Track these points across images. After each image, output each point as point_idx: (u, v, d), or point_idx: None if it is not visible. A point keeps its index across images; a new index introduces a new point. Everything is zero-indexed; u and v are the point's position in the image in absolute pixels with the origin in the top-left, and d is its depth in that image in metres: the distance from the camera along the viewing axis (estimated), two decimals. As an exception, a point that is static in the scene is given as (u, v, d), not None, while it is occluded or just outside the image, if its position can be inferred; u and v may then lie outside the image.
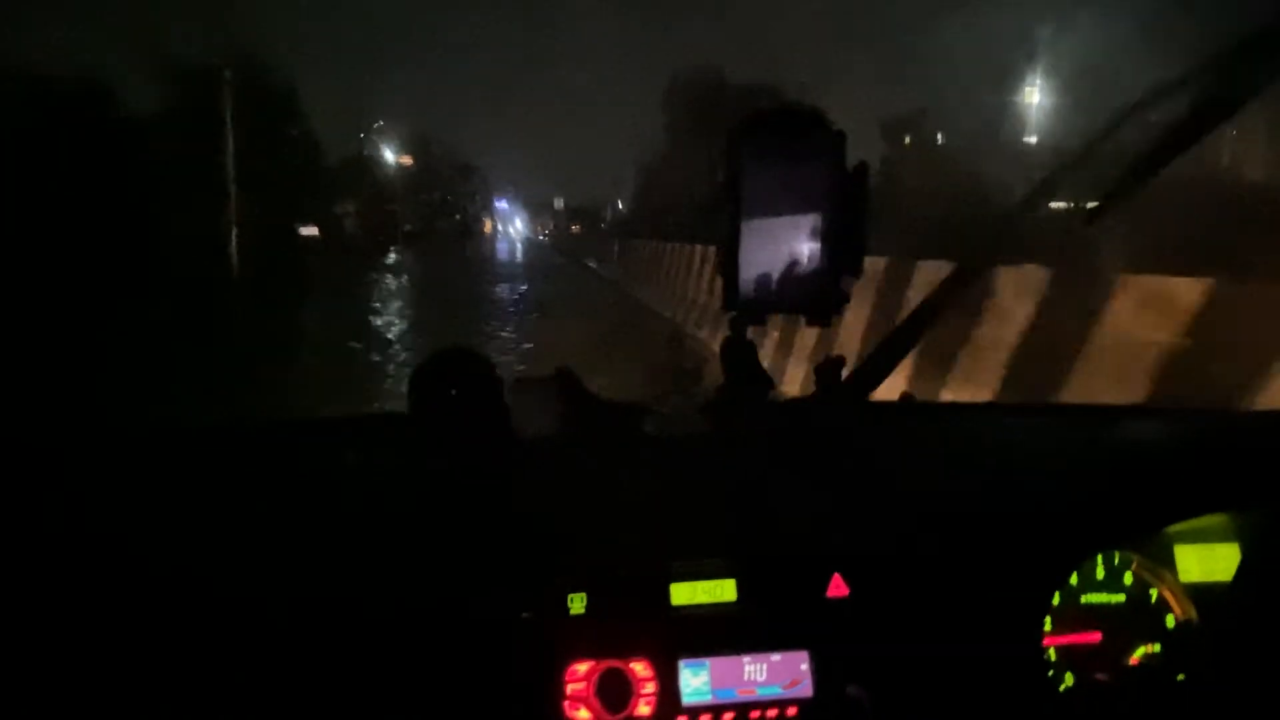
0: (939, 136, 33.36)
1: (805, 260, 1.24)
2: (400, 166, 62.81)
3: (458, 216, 71.14)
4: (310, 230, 34.17)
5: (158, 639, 1.13)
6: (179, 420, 1.60)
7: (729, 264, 1.24)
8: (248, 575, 1.18)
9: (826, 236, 1.24)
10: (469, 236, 68.50)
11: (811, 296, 1.25)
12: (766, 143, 1.23)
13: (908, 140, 34.41)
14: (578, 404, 1.50)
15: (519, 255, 54.53)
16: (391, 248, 44.68)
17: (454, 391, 1.37)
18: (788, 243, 1.24)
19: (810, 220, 1.23)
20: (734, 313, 1.32)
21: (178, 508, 1.30)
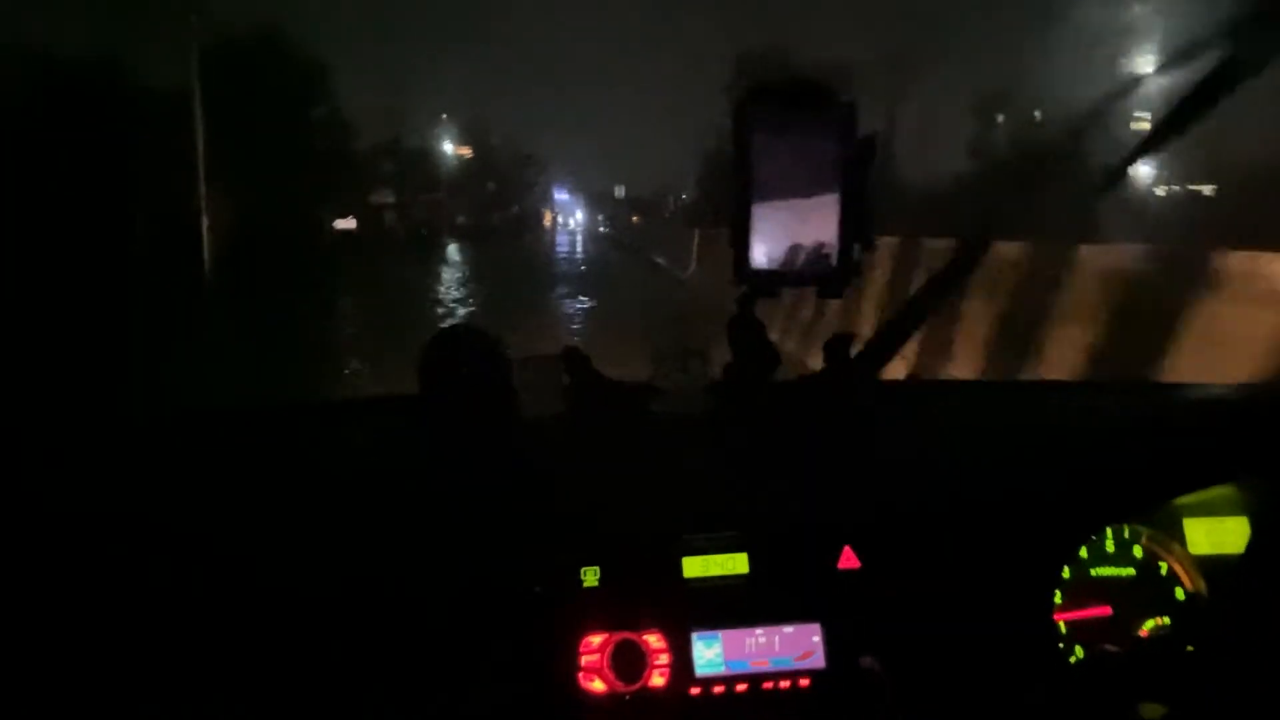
0: (1036, 114, 31.83)
1: (816, 233, 1.24)
2: (458, 157, 60.00)
3: (515, 209, 68.60)
4: (347, 223, 33.26)
5: (175, 617, 1.15)
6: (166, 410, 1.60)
7: (739, 237, 1.24)
8: (259, 556, 1.20)
9: (837, 209, 1.23)
10: (526, 230, 66.07)
11: (823, 269, 1.25)
12: (776, 114, 1.22)
13: (1000, 119, 33.51)
14: (586, 382, 1.50)
15: (579, 249, 50.66)
16: (440, 242, 42.54)
17: (464, 370, 1.38)
18: (798, 215, 1.23)
19: (821, 193, 1.23)
20: (744, 288, 1.31)
21: (191, 490, 1.31)
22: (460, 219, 54.22)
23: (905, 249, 7.71)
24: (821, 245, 1.23)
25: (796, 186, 1.23)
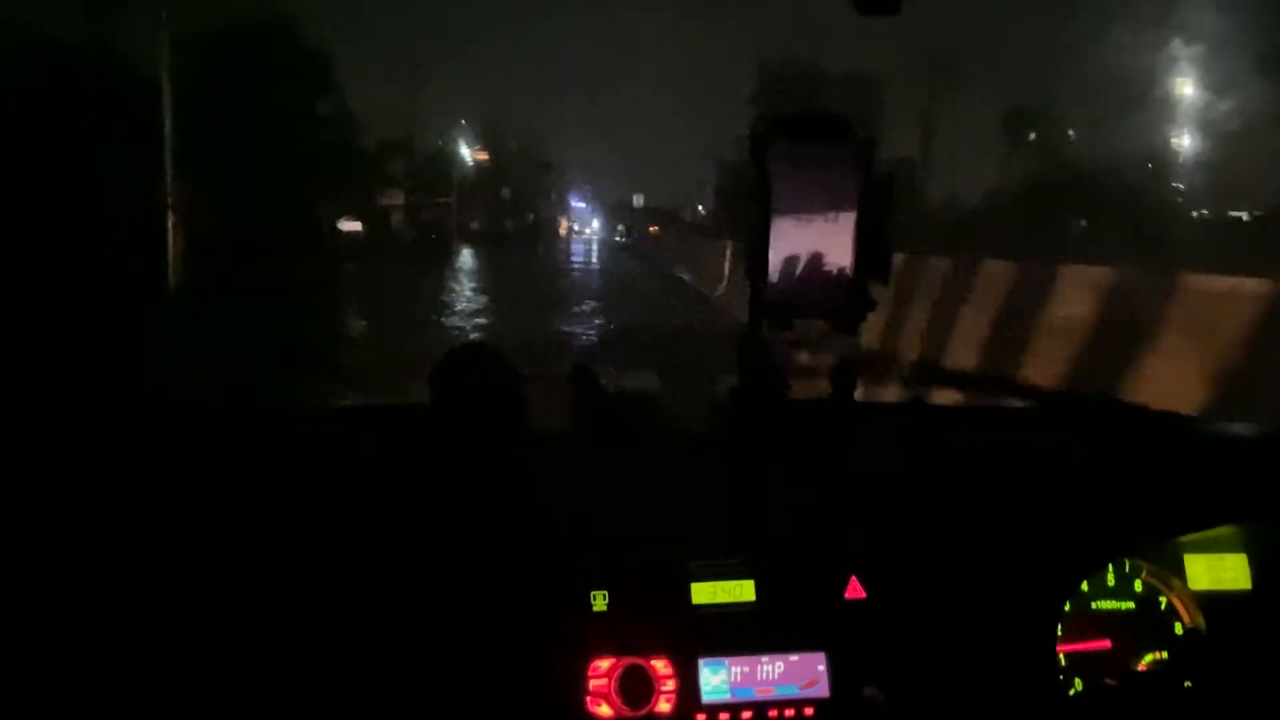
0: (1070, 133, 30.28)
1: (832, 267, 1.25)
2: (473, 161, 59.74)
3: (530, 216, 66.22)
4: (352, 225, 31.12)
5: (173, 626, 1.15)
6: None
7: (756, 269, 1.25)
8: (260, 570, 1.20)
9: (854, 243, 1.25)
10: (541, 238, 63.20)
11: (839, 303, 1.27)
12: (796, 148, 1.24)
13: (1032, 136, 32.24)
14: (595, 402, 1.51)
15: (594, 259, 46.72)
16: (449, 248, 40.11)
17: (474, 388, 1.38)
18: (815, 248, 1.25)
19: (838, 226, 1.25)
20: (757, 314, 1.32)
21: (184, 493, 1.31)
22: (474, 224, 52.61)
23: (911, 268, 7.70)
24: (838, 279, 1.25)
25: (814, 220, 1.25)
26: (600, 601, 1.22)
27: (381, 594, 1.20)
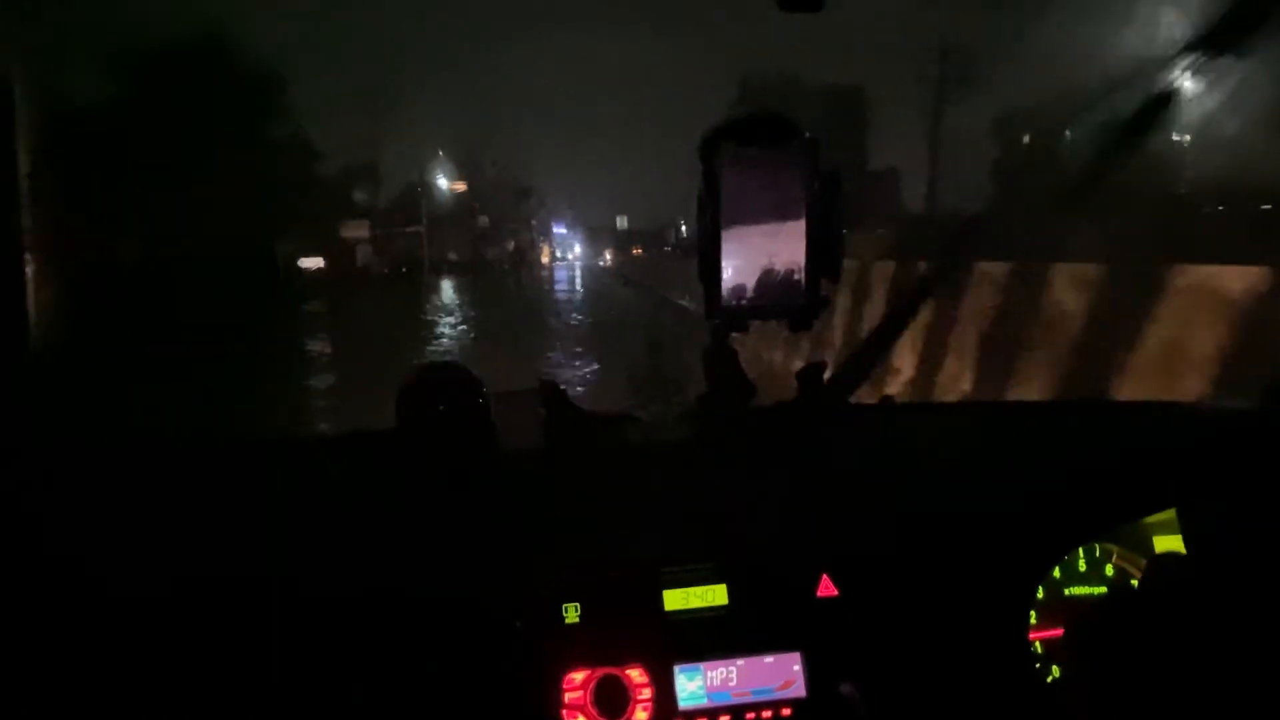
0: (1066, 133, 31.34)
1: (784, 266, 1.26)
2: (452, 190, 56.80)
3: (511, 245, 64.49)
4: (313, 262, 29.47)
5: (153, 648, 1.15)
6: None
7: (708, 272, 1.26)
8: (239, 593, 1.20)
9: (804, 242, 1.26)
10: (523, 265, 61.60)
11: (792, 302, 1.27)
12: (741, 150, 1.25)
13: (1027, 140, 32.80)
14: (563, 415, 1.50)
15: (579, 285, 44.11)
16: (422, 281, 37.62)
17: (441, 407, 1.39)
18: (766, 249, 1.26)
19: (788, 227, 1.25)
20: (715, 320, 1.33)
21: (159, 524, 1.31)
22: (451, 255, 51.17)
23: (867, 273, 7.75)
24: (789, 279, 1.26)
25: (764, 221, 1.25)
26: (572, 613, 1.22)
27: (355, 613, 1.20)
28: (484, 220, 60.32)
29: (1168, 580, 1.33)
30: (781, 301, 1.27)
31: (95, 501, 1.35)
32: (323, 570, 1.24)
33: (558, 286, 41.85)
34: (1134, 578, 1.39)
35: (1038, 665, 1.34)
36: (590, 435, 1.51)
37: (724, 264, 1.26)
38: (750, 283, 1.26)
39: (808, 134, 1.25)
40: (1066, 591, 1.37)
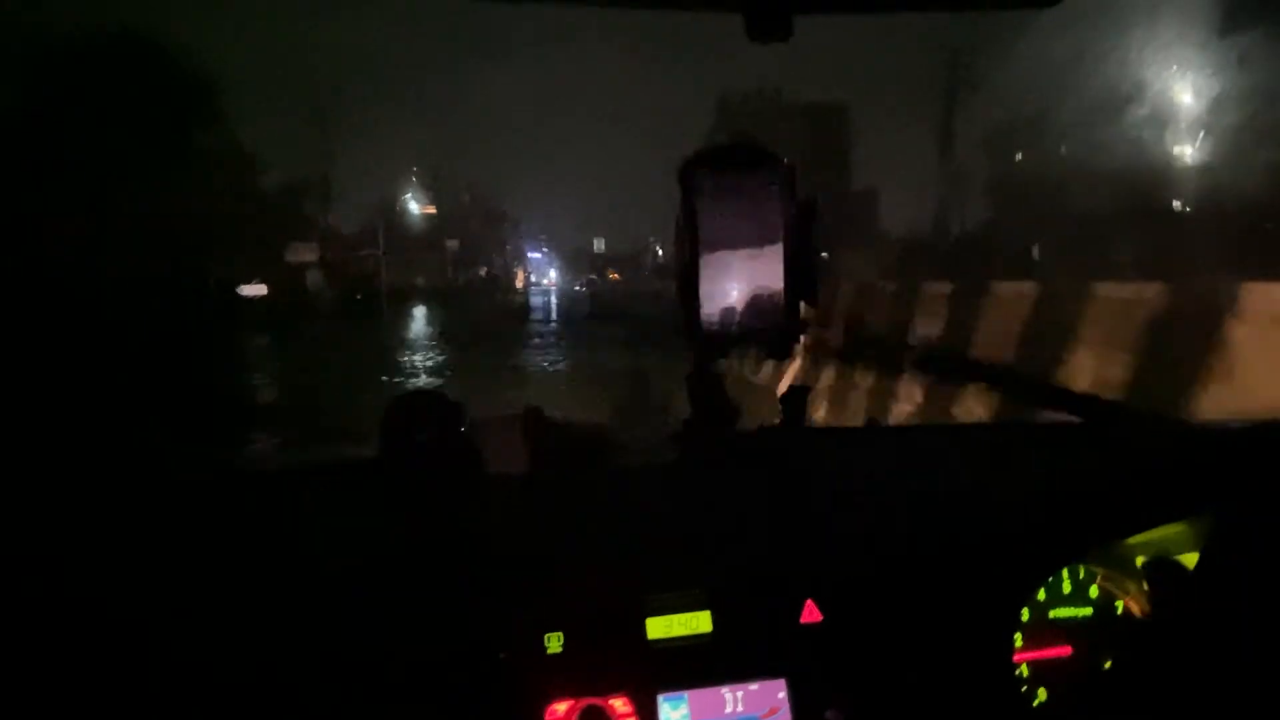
0: (1061, 147, 30.72)
1: (762, 292, 1.27)
2: (418, 211, 54.38)
3: (483, 271, 62.43)
4: (255, 289, 26.92)
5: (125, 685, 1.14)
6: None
7: (688, 298, 1.27)
8: (218, 628, 1.18)
9: (781, 267, 1.27)
10: (496, 291, 59.12)
11: (770, 328, 1.28)
12: (718, 177, 1.26)
13: (1019, 157, 32.59)
14: (545, 441, 1.52)
15: (554, 314, 40.42)
16: (378, 309, 34.16)
17: (421, 436, 1.40)
18: (745, 275, 1.27)
19: (766, 252, 1.26)
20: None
21: (146, 559, 1.30)
22: (419, 280, 48.04)
23: (861, 294, 7.83)
24: (768, 304, 1.27)
25: (742, 247, 1.27)
26: (555, 643, 1.21)
27: (335, 645, 1.18)
28: (453, 244, 57.85)
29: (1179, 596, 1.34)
30: (761, 326, 1.28)
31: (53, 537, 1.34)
32: (298, 600, 1.22)
33: (531, 316, 38.23)
34: (1119, 599, 1.39)
35: (1024, 689, 1.33)
36: (570, 460, 1.51)
37: (703, 289, 1.27)
38: (729, 308, 1.27)
39: (785, 160, 1.26)
40: (1052, 614, 1.37)
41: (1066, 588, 1.38)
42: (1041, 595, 1.36)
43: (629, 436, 1.55)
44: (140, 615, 1.20)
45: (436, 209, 57.38)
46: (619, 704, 1.20)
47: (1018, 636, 1.33)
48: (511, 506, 1.42)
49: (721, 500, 1.41)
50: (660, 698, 1.21)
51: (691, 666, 1.22)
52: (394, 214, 51.60)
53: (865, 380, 6.14)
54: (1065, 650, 1.36)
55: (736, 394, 1.47)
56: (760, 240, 1.26)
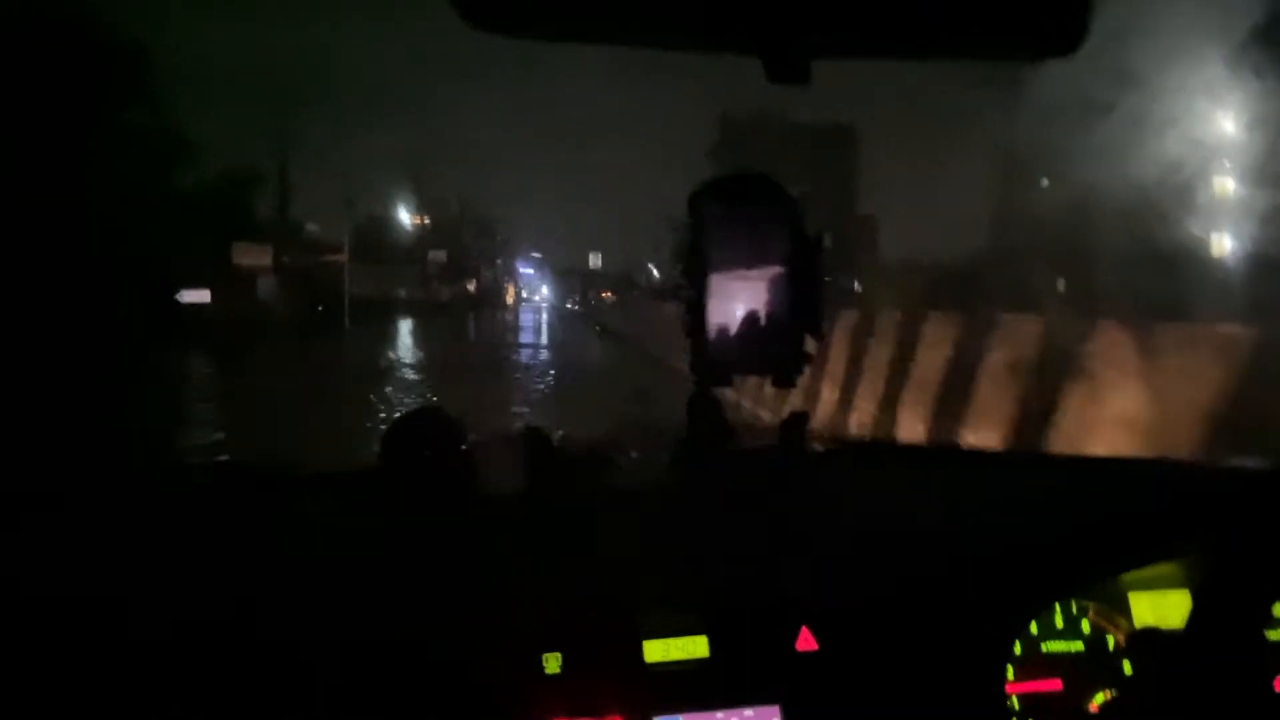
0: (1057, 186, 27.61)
1: (768, 323, 1.29)
2: (405, 222, 52.33)
3: (470, 285, 60.62)
4: (197, 296, 24.28)
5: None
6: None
7: (694, 328, 1.29)
8: (206, 639, 1.18)
9: (787, 299, 1.29)
10: (486, 306, 57.64)
11: (775, 358, 1.30)
12: (725, 209, 1.29)
13: (1045, 183, 30.18)
14: (546, 461, 1.51)
15: (544, 336, 36.52)
16: (339, 324, 29.86)
17: (426, 452, 1.41)
18: (750, 306, 1.29)
19: (771, 284, 1.29)
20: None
21: (151, 565, 1.30)
22: (401, 291, 46.03)
23: (862, 325, 7.86)
24: (773, 335, 1.29)
25: (748, 278, 1.29)
26: (553, 663, 1.22)
27: (328, 662, 1.18)
28: (438, 255, 55.09)
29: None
30: (766, 358, 1.30)
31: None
32: (294, 616, 1.22)
33: (521, 338, 34.33)
34: (1109, 634, 1.40)
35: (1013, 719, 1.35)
36: (570, 480, 1.52)
37: (709, 316, 1.29)
38: (735, 335, 1.29)
39: (793, 192, 1.28)
40: (1043, 647, 1.38)
41: (1059, 622, 1.40)
42: (1034, 629, 1.38)
43: (627, 458, 1.55)
44: (124, 623, 1.19)
45: (421, 217, 54.38)
46: None
47: (1009, 669, 1.34)
48: (510, 526, 1.43)
49: (719, 524, 1.42)
50: None
51: (688, 690, 1.23)
52: (369, 217, 47.66)
53: (865, 409, 6.26)
54: (1056, 684, 1.37)
55: (735, 420, 1.49)
56: (766, 270, 1.29)
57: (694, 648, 1.25)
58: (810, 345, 1.31)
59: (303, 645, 1.19)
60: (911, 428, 6.64)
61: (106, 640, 1.17)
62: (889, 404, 6.69)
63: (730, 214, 1.28)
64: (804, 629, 1.26)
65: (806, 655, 1.25)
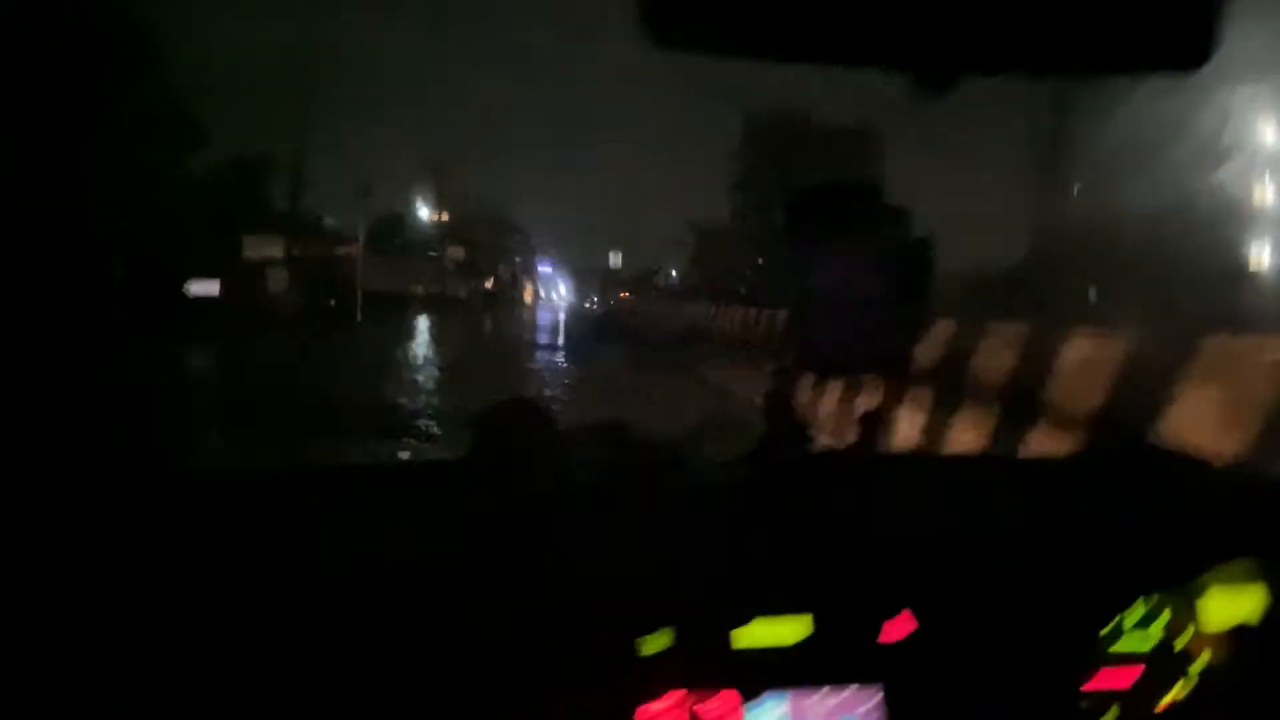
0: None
1: (872, 324, 1.34)
2: (424, 217, 51.91)
3: (488, 283, 59.89)
4: (205, 287, 23.51)
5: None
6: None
7: (800, 328, 1.35)
8: (298, 623, 1.19)
9: (889, 302, 1.33)
10: (502, 304, 56.97)
11: (879, 357, 1.37)
12: (829, 215, 1.34)
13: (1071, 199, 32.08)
14: (629, 453, 1.55)
15: (561, 338, 34.12)
16: (350, 320, 29.49)
17: (512, 442, 1.46)
18: (854, 308, 1.33)
19: (875, 288, 1.33)
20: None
21: (230, 556, 1.29)
22: (417, 287, 45.48)
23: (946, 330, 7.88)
24: (877, 336, 1.34)
25: (851, 281, 1.33)
26: (650, 644, 1.24)
27: (423, 651, 1.19)
28: (456, 251, 54.26)
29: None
30: (869, 357, 1.37)
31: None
32: (384, 607, 1.22)
33: (538, 340, 33.02)
34: (1181, 632, 1.43)
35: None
36: (657, 473, 1.55)
37: (813, 321, 1.35)
38: (838, 340, 1.35)
39: (898, 205, 1.33)
40: (1115, 646, 1.40)
41: (1133, 619, 1.43)
42: (1116, 625, 1.41)
43: (710, 453, 1.58)
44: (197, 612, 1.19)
45: (440, 212, 53.90)
46: (714, 704, 1.24)
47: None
48: (598, 515, 1.44)
49: (807, 515, 1.46)
50: (759, 697, 1.25)
51: (793, 667, 1.26)
52: (386, 210, 47.04)
53: (942, 412, 6.29)
54: (1124, 683, 1.39)
55: (810, 417, 1.52)
56: (871, 277, 1.33)
57: (789, 630, 1.28)
58: (908, 348, 1.37)
59: (387, 638, 1.19)
60: (990, 432, 6.67)
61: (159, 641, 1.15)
62: (973, 407, 6.76)
63: (831, 221, 1.33)
64: (905, 611, 1.29)
65: (908, 637, 1.29)
